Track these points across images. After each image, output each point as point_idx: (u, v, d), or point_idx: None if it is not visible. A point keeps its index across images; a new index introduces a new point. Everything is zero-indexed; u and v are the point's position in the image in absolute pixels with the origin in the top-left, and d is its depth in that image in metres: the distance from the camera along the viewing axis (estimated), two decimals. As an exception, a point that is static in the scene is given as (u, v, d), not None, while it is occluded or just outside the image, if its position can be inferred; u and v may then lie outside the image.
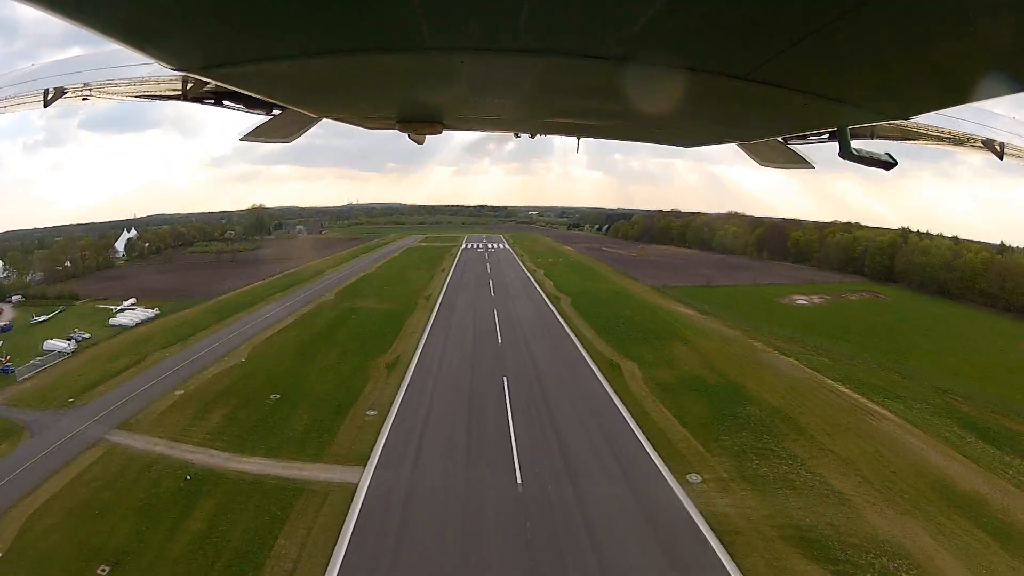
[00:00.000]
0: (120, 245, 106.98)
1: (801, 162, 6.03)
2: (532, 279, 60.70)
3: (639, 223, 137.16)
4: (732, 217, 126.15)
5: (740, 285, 64.77)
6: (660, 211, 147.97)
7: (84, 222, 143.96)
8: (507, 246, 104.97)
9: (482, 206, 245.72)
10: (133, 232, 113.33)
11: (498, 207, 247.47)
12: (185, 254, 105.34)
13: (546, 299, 47.81)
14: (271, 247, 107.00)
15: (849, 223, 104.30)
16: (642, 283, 61.08)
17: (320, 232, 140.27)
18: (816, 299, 59.14)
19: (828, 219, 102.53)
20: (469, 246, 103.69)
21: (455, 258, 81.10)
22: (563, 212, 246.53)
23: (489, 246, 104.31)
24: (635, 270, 70.52)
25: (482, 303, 45.70)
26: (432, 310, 43.06)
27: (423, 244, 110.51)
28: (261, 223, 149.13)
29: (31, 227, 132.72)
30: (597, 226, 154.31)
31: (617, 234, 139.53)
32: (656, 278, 64.10)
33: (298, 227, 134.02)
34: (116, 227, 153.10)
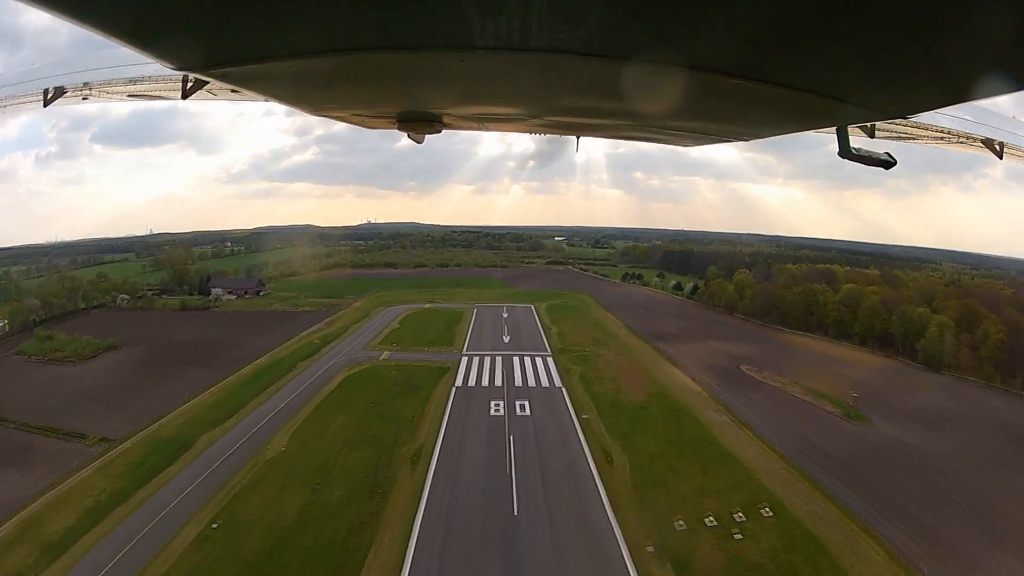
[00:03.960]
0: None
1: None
2: None
3: (750, 287, 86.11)
4: (920, 294, 75.33)
5: None
6: (785, 267, 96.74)
7: (97, 237, 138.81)
8: (572, 417, 39.57)
9: (503, 231, 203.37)
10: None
11: (520, 230, 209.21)
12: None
13: None
14: (129, 348, 59.69)
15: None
16: None
17: (258, 293, 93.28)
18: None
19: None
20: (471, 381, 49.12)
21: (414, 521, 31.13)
22: (597, 241, 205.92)
23: (520, 415, 39.81)
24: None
25: None
26: None
27: (385, 359, 55.57)
28: (182, 277, 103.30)
29: (38, 243, 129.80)
30: (674, 283, 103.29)
31: (714, 302, 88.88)
32: None
33: (215, 291, 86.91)
34: (128, 244, 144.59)
